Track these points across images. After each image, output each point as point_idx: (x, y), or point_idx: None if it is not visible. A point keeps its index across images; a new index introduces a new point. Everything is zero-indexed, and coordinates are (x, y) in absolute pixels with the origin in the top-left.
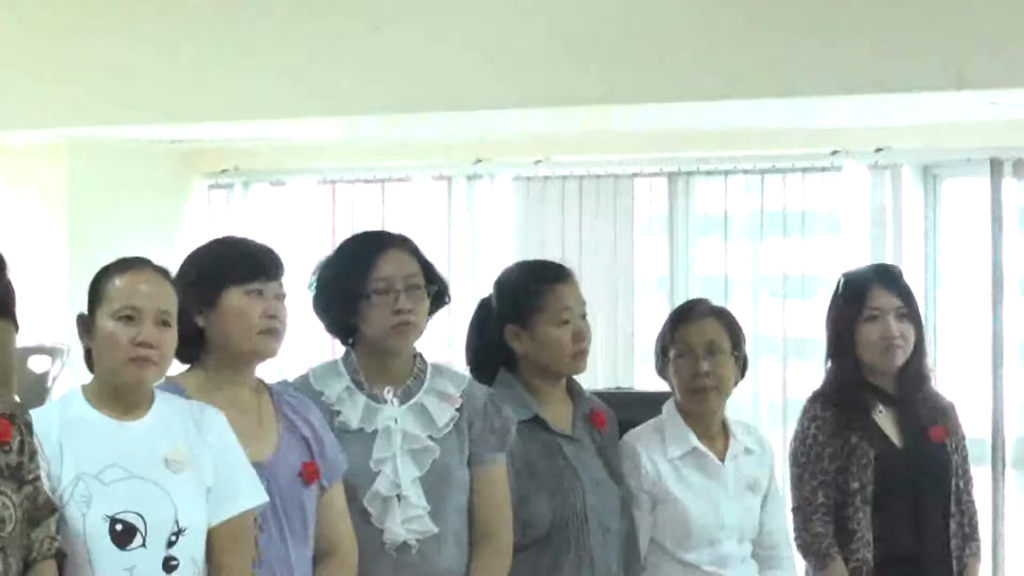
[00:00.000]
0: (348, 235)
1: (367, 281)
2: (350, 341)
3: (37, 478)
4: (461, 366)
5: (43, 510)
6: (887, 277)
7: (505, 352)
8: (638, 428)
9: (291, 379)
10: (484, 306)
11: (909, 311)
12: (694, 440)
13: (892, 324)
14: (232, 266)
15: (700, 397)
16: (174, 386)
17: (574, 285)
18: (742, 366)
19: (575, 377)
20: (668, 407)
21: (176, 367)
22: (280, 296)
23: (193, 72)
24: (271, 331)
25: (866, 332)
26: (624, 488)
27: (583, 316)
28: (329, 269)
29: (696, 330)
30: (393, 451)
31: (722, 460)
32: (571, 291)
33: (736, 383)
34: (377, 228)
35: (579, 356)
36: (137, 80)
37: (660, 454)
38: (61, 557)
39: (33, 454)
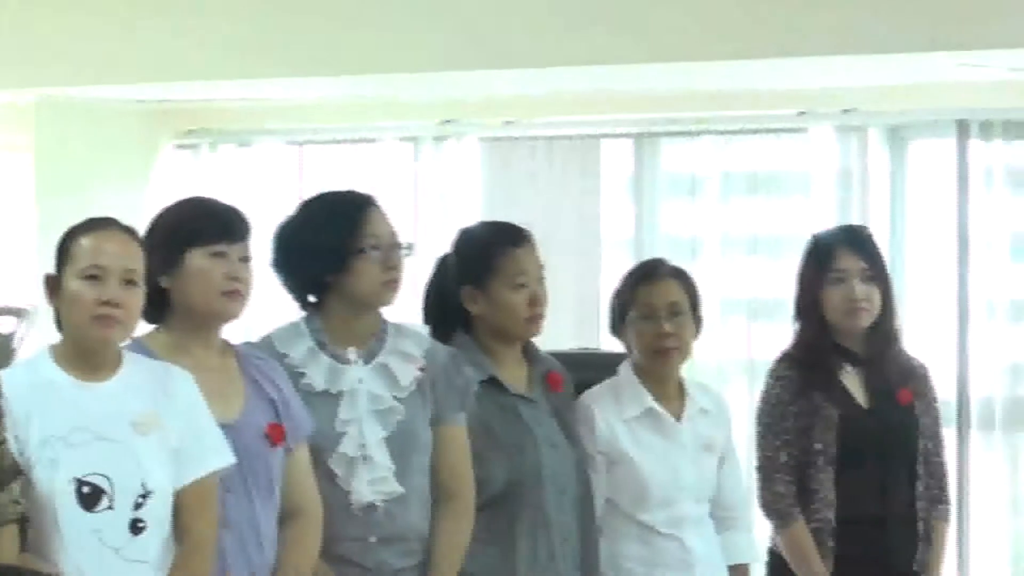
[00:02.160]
0: (316, 194)
1: (360, 236)
2: (312, 302)
3: (3, 441)
4: (420, 326)
5: (7, 473)
6: (854, 239)
7: (462, 313)
8: (594, 389)
9: (254, 341)
10: (441, 266)
11: (875, 273)
12: (649, 401)
13: (857, 286)
14: (195, 227)
15: (663, 358)
16: (141, 346)
17: (532, 249)
18: (698, 327)
19: (536, 338)
20: (624, 368)
21: (143, 328)
22: (245, 258)
23: (160, 32)
24: (233, 293)
25: (831, 294)
26: (580, 449)
27: (540, 280)
28: (308, 225)
29: (659, 291)
30: (358, 412)
31: (678, 420)
32: (528, 255)
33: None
34: (343, 189)
35: (534, 320)
36: (104, 40)
37: (615, 415)
38: (24, 521)
39: (0, 416)
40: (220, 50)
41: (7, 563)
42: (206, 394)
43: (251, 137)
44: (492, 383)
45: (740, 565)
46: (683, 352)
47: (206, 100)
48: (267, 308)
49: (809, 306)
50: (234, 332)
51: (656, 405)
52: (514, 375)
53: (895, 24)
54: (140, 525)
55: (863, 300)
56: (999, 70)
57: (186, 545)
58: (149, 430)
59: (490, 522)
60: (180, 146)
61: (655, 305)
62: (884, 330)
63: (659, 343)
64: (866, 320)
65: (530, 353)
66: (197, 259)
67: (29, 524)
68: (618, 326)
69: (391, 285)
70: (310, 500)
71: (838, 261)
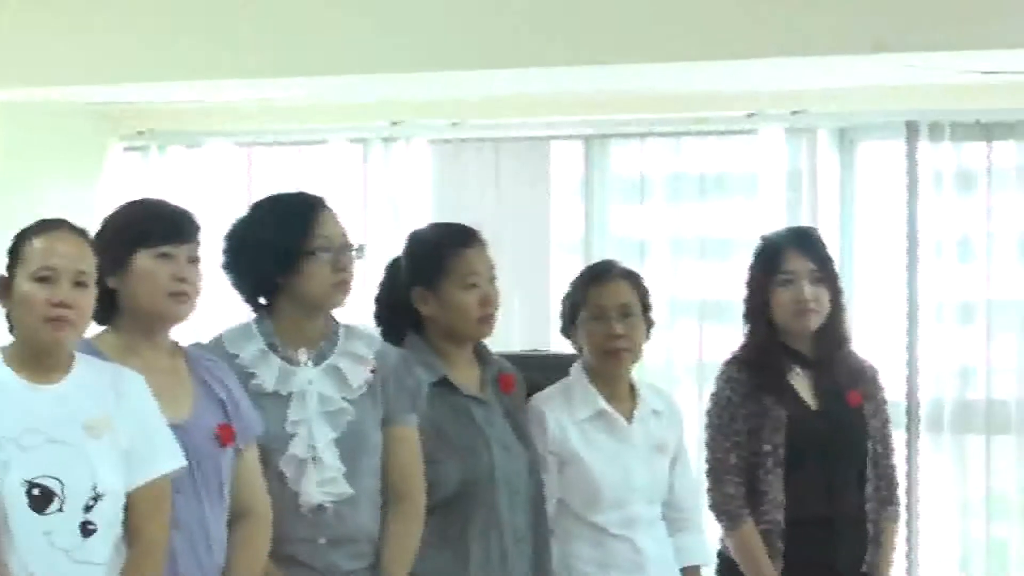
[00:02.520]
0: (266, 196)
1: (311, 238)
2: (263, 303)
3: None
4: (372, 327)
5: None
6: (802, 241)
7: (413, 314)
8: (545, 390)
9: (204, 342)
10: (393, 267)
11: (824, 275)
12: (601, 402)
13: (805, 288)
14: (142, 229)
15: (614, 359)
16: (91, 348)
17: (483, 249)
18: (649, 328)
19: (487, 340)
20: (575, 369)
21: (94, 329)
22: (193, 259)
23: (109, 34)
24: (180, 294)
25: (780, 295)
26: (532, 451)
27: (492, 280)
28: (259, 227)
29: (610, 292)
30: (308, 413)
31: (630, 422)
32: (479, 255)
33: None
34: (293, 190)
35: (486, 321)
36: (53, 42)
37: (567, 416)
38: None
39: None
40: (169, 52)
41: None
42: (156, 395)
43: (200, 139)
44: (444, 384)
45: (692, 567)
46: (634, 353)
47: (155, 102)
48: (218, 310)
49: (758, 308)
50: (185, 333)
51: (607, 406)
52: (466, 376)
53: (844, 26)
54: (91, 527)
55: (811, 301)
56: (948, 72)
57: (137, 547)
58: (101, 432)
59: (443, 524)
60: (129, 148)
61: (606, 306)
62: (833, 332)
63: (610, 344)
64: (815, 321)
65: (482, 354)
66: (144, 260)
67: None
68: (569, 327)
69: (342, 287)
70: (259, 501)
71: (786, 263)
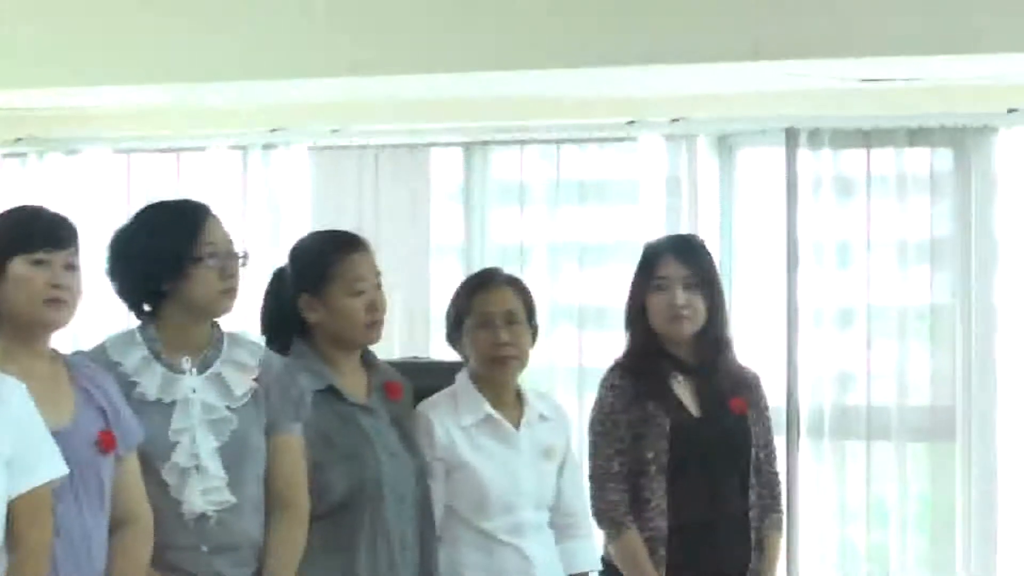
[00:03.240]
0: (151, 202)
1: (198, 244)
2: (147, 310)
3: None
4: (255, 336)
5: None
6: (678, 247)
7: (299, 321)
8: (432, 397)
9: (86, 349)
10: (279, 275)
11: (699, 280)
12: (488, 408)
13: (678, 293)
14: (17, 236)
15: (501, 366)
16: None
17: (369, 254)
18: (534, 335)
19: (371, 347)
20: (461, 376)
21: None
22: (70, 266)
23: None
24: (56, 301)
25: (654, 301)
26: (419, 458)
27: (378, 286)
28: (145, 233)
29: (495, 299)
30: (192, 422)
31: (517, 427)
32: (365, 261)
33: None
34: (179, 197)
35: (373, 326)
36: None
37: (453, 422)
38: None
39: None
40: (48, 58)
41: None
42: (36, 402)
43: (79, 145)
44: (331, 392)
45: (580, 574)
46: (521, 360)
47: (33, 108)
48: (101, 317)
49: (636, 314)
50: (62, 341)
51: (494, 412)
52: (353, 384)
53: (724, 33)
54: None
55: (684, 307)
56: (827, 79)
57: (19, 554)
58: None
59: (330, 532)
60: (7, 155)
61: (491, 313)
62: (712, 338)
63: (496, 351)
64: (688, 328)
65: (368, 362)
66: (18, 267)
67: None
68: (454, 335)
69: (229, 293)
70: (140, 508)
71: (660, 268)
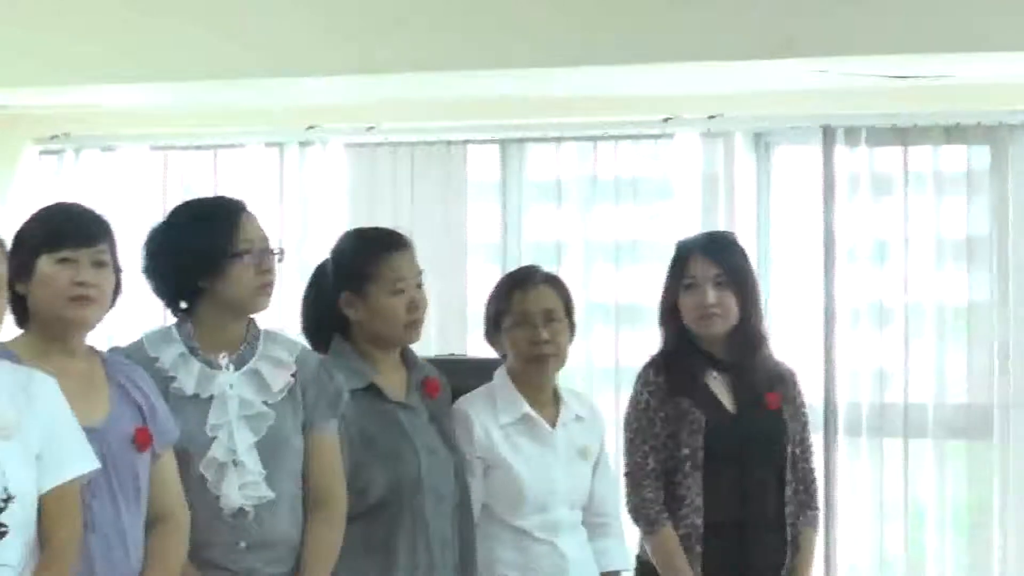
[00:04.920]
0: (187, 200)
1: (233, 241)
2: (183, 307)
3: None
4: (291, 333)
5: None
6: (709, 245)
7: (340, 319)
8: (470, 394)
9: (123, 346)
10: (320, 272)
11: (730, 279)
12: (525, 407)
13: (709, 292)
14: (44, 234)
15: (539, 365)
16: (6, 351)
17: (410, 253)
18: (572, 332)
19: (410, 345)
20: (499, 374)
21: (13, 332)
22: (98, 263)
23: (21, 36)
24: (81, 298)
25: (684, 300)
26: (458, 455)
27: (419, 285)
28: (180, 230)
29: (533, 298)
30: (228, 417)
31: (553, 427)
32: (406, 260)
33: None
34: (214, 194)
35: (413, 325)
36: None
37: (491, 420)
38: None
39: None
40: (85, 55)
41: None
42: (71, 399)
43: (116, 142)
44: (371, 390)
45: (612, 572)
46: (559, 358)
47: (71, 105)
48: (140, 314)
49: (669, 312)
50: (98, 338)
51: (532, 411)
52: (393, 382)
53: (760, 30)
54: (2, 530)
55: (715, 306)
56: (864, 77)
57: (48, 551)
58: (10, 434)
59: (369, 530)
60: (44, 152)
61: (530, 312)
62: (746, 335)
63: (535, 350)
64: (719, 326)
65: (408, 359)
66: (45, 265)
67: None
68: (492, 333)
69: (265, 289)
70: (177, 505)
71: (691, 267)
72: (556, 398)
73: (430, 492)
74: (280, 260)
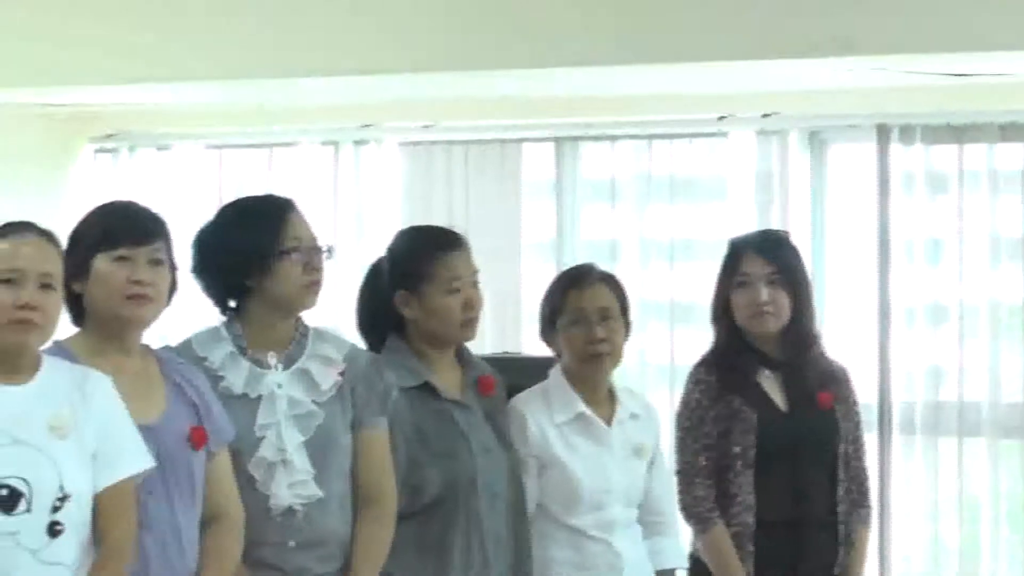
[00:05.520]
0: (234, 199)
1: (281, 239)
2: (232, 306)
3: None
4: (346, 332)
5: None
6: (763, 243)
7: (395, 318)
8: (524, 393)
9: (173, 345)
10: (375, 271)
11: (783, 277)
12: (581, 405)
13: (761, 290)
14: (99, 233)
15: (595, 363)
16: (62, 349)
17: (466, 252)
18: (628, 331)
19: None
20: (554, 372)
21: (69, 330)
22: (155, 261)
23: (79, 36)
24: (137, 297)
25: (737, 298)
26: (512, 454)
27: (475, 284)
28: (228, 229)
29: (589, 296)
30: (277, 416)
31: (609, 425)
32: (462, 259)
33: None
34: (262, 193)
35: (469, 324)
36: (22, 44)
37: (547, 419)
38: None
39: None
40: (140, 54)
41: None
42: (126, 397)
43: (171, 141)
44: (426, 388)
45: (667, 570)
46: (615, 357)
47: (126, 104)
48: (191, 313)
49: (722, 310)
50: (152, 336)
51: (587, 410)
52: (448, 380)
53: (815, 28)
54: (58, 528)
55: (767, 304)
56: (919, 75)
57: (103, 549)
58: (66, 433)
59: (423, 528)
60: (99, 150)
61: (586, 310)
62: (799, 334)
63: (591, 348)
64: (772, 324)
65: (463, 357)
66: (101, 264)
67: None
68: (548, 331)
69: (313, 287)
70: (232, 504)
71: (744, 265)
72: (611, 396)
73: (485, 491)
74: (329, 258)
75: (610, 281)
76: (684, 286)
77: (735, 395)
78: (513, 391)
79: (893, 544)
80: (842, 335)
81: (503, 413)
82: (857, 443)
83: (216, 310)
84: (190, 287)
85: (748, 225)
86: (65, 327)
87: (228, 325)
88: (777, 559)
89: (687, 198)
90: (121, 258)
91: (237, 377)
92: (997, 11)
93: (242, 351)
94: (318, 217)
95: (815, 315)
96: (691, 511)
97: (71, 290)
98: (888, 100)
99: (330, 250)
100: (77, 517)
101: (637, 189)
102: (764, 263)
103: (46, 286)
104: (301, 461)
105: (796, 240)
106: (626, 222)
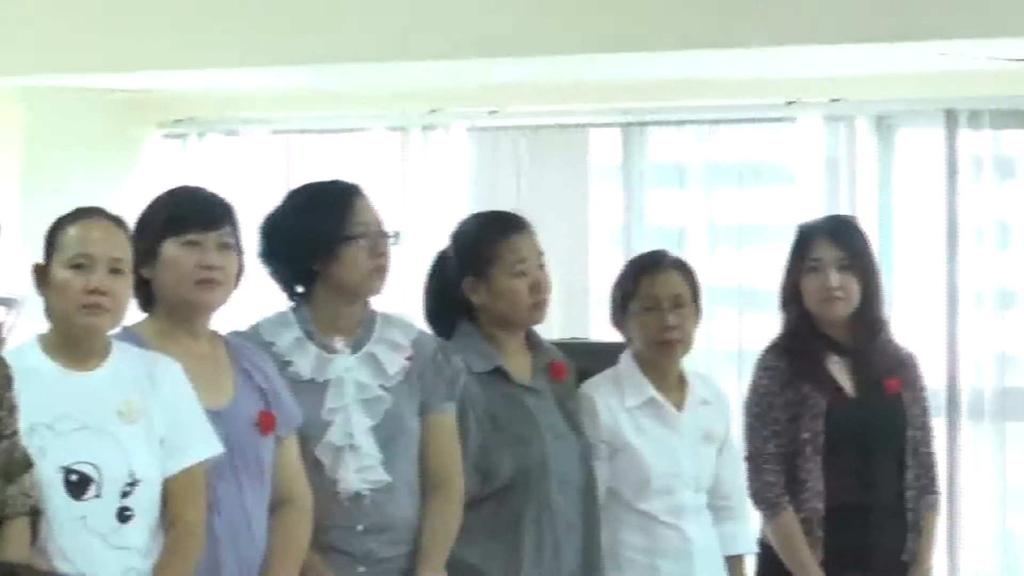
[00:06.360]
0: (301, 184)
1: (348, 224)
2: (300, 291)
3: (15, 432)
4: (415, 317)
5: (18, 465)
6: (833, 228)
7: (464, 304)
8: (595, 378)
9: (241, 330)
10: (442, 258)
11: (854, 262)
12: (651, 390)
13: (832, 275)
14: (168, 217)
15: (667, 350)
16: (131, 335)
17: (531, 236)
18: (698, 317)
19: (534, 328)
20: (625, 357)
21: (137, 316)
22: (224, 245)
23: (146, 21)
24: (208, 281)
25: (808, 283)
26: (584, 439)
27: (541, 267)
28: (295, 215)
29: (662, 283)
30: (345, 401)
31: (679, 410)
32: (527, 242)
33: None
34: (329, 178)
35: (537, 307)
36: (90, 29)
37: (617, 404)
38: (36, 514)
39: (12, 409)
40: (208, 39)
41: (17, 562)
42: (195, 382)
43: (238, 126)
44: (497, 373)
45: (737, 556)
46: (686, 344)
47: (194, 89)
48: (258, 298)
49: (790, 295)
50: (220, 321)
51: (657, 395)
52: (519, 365)
53: (882, 13)
54: (127, 513)
55: (837, 289)
56: (986, 59)
57: (173, 533)
58: (135, 419)
59: (495, 513)
60: (167, 135)
61: (659, 297)
62: (868, 319)
63: (663, 335)
64: (842, 309)
65: (533, 342)
66: (170, 249)
67: (40, 517)
68: (619, 317)
69: (379, 273)
70: (300, 489)
71: (814, 250)
72: (682, 382)
73: (556, 475)
74: (396, 244)
75: (682, 268)
76: (751, 271)
77: (804, 381)
78: (581, 376)
79: (962, 530)
80: (910, 320)
81: (574, 399)
82: (925, 429)
83: (283, 295)
84: (257, 273)
85: (815, 210)
86: (131, 313)
87: (296, 310)
88: (846, 545)
89: (754, 183)
90: (190, 243)
91: (305, 362)
92: None
93: (310, 336)
94: (385, 203)
95: (883, 301)
96: (760, 497)
97: (139, 275)
98: (956, 85)
99: (397, 236)
100: (146, 502)
101: (704, 174)
102: (835, 248)
103: (116, 271)
104: (369, 446)
105: (864, 225)
106: (693, 207)
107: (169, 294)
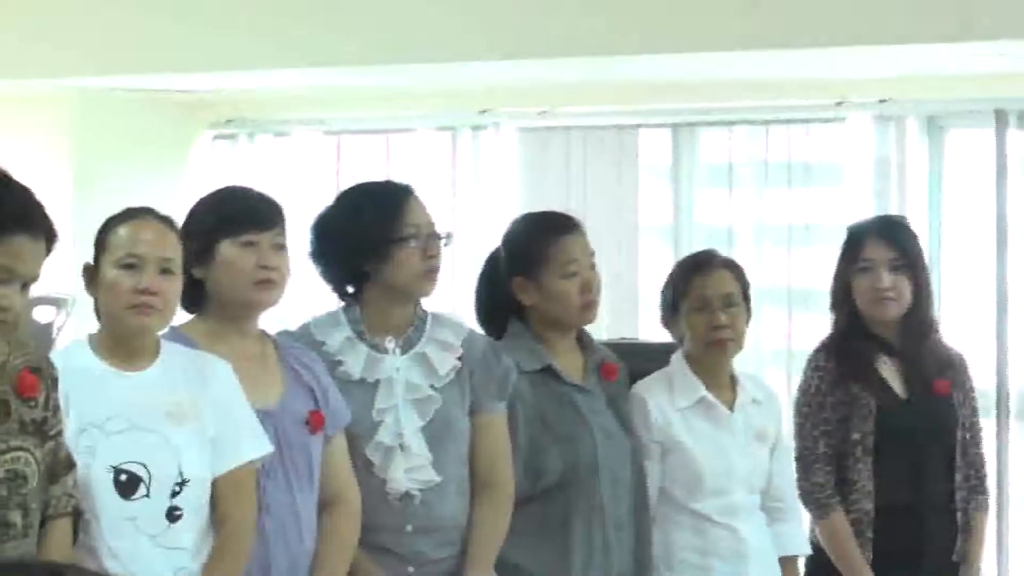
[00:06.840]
0: (353, 185)
1: (399, 225)
2: (350, 292)
3: (59, 433)
4: (465, 317)
5: (61, 465)
6: (884, 229)
7: (515, 304)
8: (647, 379)
9: (291, 329)
10: (493, 259)
11: (905, 263)
12: (702, 390)
13: (883, 276)
14: (224, 218)
15: (718, 349)
16: (180, 335)
17: (581, 236)
18: (749, 317)
19: (586, 328)
20: (676, 358)
21: (184, 317)
22: (278, 245)
23: (197, 22)
24: (266, 282)
25: (859, 283)
26: (634, 439)
27: (591, 267)
28: (347, 215)
29: (713, 282)
30: (395, 401)
31: (731, 410)
32: (578, 242)
33: None
34: (381, 179)
35: (588, 307)
36: (141, 30)
37: (669, 404)
38: (77, 514)
39: (56, 409)
40: (259, 40)
41: (63, 562)
42: (245, 382)
43: (289, 127)
44: (548, 372)
45: (790, 557)
46: (737, 343)
47: (244, 90)
48: (306, 298)
49: (841, 296)
50: (269, 321)
51: (709, 394)
52: (569, 364)
53: (932, 13)
54: (177, 513)
55: (889, 290)
56: None
57: (223, 533)
58: (185, 419)
59: (545, 512)
60: (218, 136)
61: (709, 297)
62: (918, 320)
63: (714, 335)
64: (893, 310)
65: (584, 342)
66: (227, 249)
67: (82, 517)
68: (670, 317)
69: (430, 274)
70: (349, 488)
71: (866, 250)
72: (733, 382)
73: (606, 475)
74: (447, 245)
75: (733, 267)
76: (801, 271)
77: (854, 382)
78: (632, 377)
79: (1012, 531)
80: (960, 321)
81: (625, 399)
82: (974, 430)
83: (334, 296)
84: (309, 273)
85: (865, 211)
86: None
87: (347, 310)
88: (896, 546)
89: (804, 183)
90: (248, 243)
91: (355, 362)
92: None
93: (360, 336)
94: (435, 204)
95: (934, 302)
96: (810, 497)
97: (190, 275)
98: (1006, 85)
99: (448, 237)
100: (196, 502)
101: (754, 174)
102: (886, 249)
103: (166, 271)
104: (419, 446)
105: (914, 226)
106: (743, 207)
107: (225, 294)
